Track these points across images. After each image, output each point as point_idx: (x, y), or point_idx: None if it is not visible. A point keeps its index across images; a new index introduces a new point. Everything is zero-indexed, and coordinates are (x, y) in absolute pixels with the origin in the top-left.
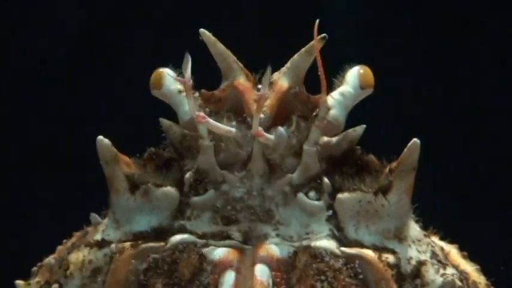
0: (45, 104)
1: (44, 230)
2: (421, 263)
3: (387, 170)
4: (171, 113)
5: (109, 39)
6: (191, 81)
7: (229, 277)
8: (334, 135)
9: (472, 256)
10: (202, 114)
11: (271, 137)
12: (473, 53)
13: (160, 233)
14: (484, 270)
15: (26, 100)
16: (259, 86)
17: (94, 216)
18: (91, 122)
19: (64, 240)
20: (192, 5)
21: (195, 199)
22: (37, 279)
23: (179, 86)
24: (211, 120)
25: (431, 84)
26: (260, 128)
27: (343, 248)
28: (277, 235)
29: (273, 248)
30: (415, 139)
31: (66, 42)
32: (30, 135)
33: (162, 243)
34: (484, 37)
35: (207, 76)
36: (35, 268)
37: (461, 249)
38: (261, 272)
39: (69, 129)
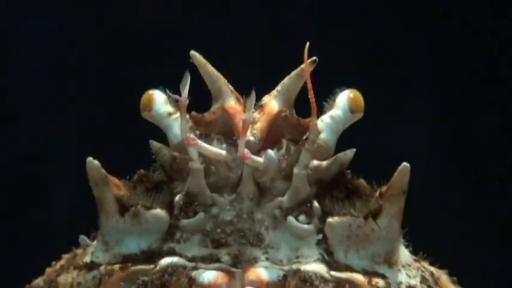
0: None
1: (33, 251)
2: None
3: (377, 194)
4: (160, 135)
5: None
6: (187, 101)
7: None
8: (325, 159)
9: (462, 282)
10: (192, 136)
11: (259, 159)
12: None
13: (150, 256)
14: None
15: None
16: None
17: (83, 238)
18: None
19: (53, 262)
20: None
21: (185, 222)
22: None
23: (169, 109)
24: (201, 143)
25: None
26: (247, 151)
27: (333, 272)
28: (267, 258)
29: (262, 272)
30: (405, 163)
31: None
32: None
33: (152, 266)
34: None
35: (196, 98)
36: None
37: (451, 274)
38: None
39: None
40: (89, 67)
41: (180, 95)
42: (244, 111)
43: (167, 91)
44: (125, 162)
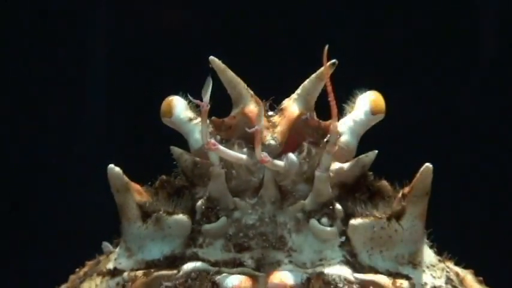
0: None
1: (56, 259)
2: None
3: (400, 195)
4: (181, 141)
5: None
6: (209, 106)
7: None
8: (346, 161)
9: (488, 282)
10: (213, 141)
11: (280, 162)
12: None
13: (173, 261)
14: None
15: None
16: (270, 113)
17: (106, 245)
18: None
19: (76, 269)
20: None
21: (207, 227)
22: None
23: (190, 114)
24: (222, 147)
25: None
26: (265, 154)
27: (356, 274)
28: (290, 262)
29: (286, 275)
30: (427, 164)
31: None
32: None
33: (175, 271)
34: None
35: (216, 103)
36: None
37: (476, 274)
38: None
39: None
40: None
41: (200, 100)
42: (264, 115)
43: (189, 96)
44: (145, 169)
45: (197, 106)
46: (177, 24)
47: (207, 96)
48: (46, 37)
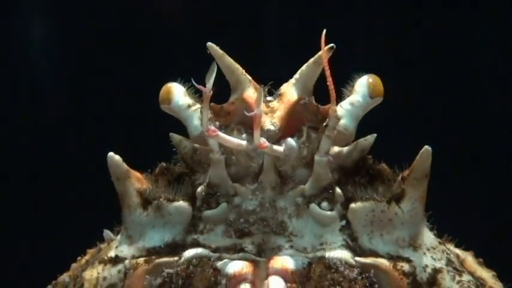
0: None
1: (57, 248)
2: (436, 271)
3: (400, 178)
4: (179, 127)
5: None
6: (211, 92)
7: None
8: (346, 145)
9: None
10: (213, 128)
11: (279, 148)
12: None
13: (174, 248)
14: (501, 276)
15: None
16: (269, 98)
17: (107, 233)
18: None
19: (78, 258)
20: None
21: (208, 213)
22: None
23: (189, 101)
24: (222, 134)
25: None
26: (263, 140)
27: (357, 258)
28: (291, 247)
29: (287, 260)
30: (426, 146)
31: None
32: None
33: (176, 258)
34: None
35: (215, 90)
36: (49, 286)
37: (476, 255)
38: (276, 284)
39: (80, 145)
40: (105, 63)
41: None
42: (263, 101)
43: (192, 81)
44: (144, 156)
45: (196, 92)
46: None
47: (210, 82)
48: None
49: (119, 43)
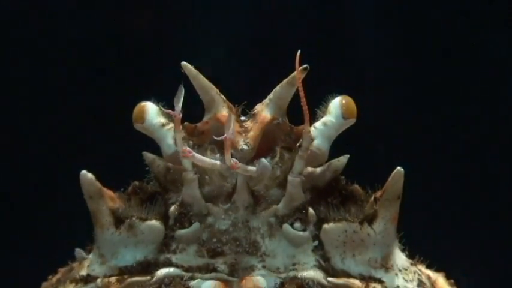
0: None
1: (29, 266)
2: None
3: (372, 199)
4: (153, 146)
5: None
6: (181, 115)
7: None
8: (319, 166)
9: (458, 283)
10: (188, 149)
11: (251, 168)
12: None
13: (146, 267)
14: None
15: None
16: (243, 118)
17: (79, 251)
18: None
19: (49, 277)
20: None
21: (180, 232)
22: None
23: (162, 120)
24: (197, 155)
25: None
26: (235, 160)
27: (330, 279)
28: (264, 267)
29: (259, 280)
30: (399, 168)
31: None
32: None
33: (148, 277)
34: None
35: (188, 108)
36: None
37: (448, 277)
38: None
39: (51, 164)
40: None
41: (173, 106)
42: (236, 120)
43: (159, 106)
44: (117, 175)
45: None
46: (144, 26)
47: (179, 105)
48: None
49: (93, 60)
